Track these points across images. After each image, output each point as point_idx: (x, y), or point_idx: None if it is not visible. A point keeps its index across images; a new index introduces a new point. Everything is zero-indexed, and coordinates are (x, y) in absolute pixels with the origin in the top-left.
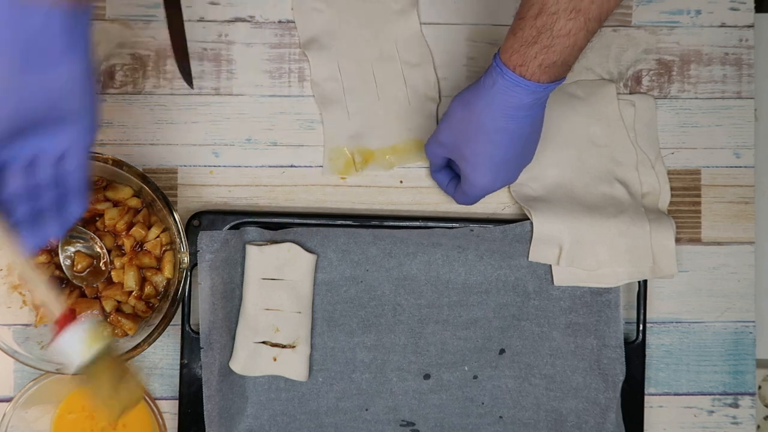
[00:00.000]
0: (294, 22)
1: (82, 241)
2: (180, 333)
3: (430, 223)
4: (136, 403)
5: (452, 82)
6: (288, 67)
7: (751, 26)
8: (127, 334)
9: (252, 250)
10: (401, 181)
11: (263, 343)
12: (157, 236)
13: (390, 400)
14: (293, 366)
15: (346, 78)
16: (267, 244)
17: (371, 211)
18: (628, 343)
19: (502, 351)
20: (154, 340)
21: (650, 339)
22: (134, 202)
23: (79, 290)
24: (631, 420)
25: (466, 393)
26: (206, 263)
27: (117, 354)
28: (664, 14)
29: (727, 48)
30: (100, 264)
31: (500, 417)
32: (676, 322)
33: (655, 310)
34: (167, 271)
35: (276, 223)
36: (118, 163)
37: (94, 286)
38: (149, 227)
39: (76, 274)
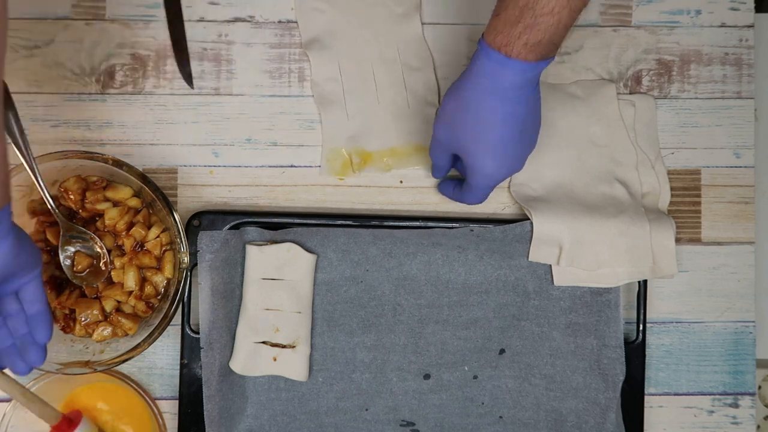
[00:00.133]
0: (294, 22)
1: (82, 241)
2: (180, 333)
3: (430, 223)
4: None
5: (452, 82)
6: (288, 67)
7: (751, 26)
8: (127, 334)
9: (252, 250)
10: (401, 181)
11: (263, 343)
12: (157, 236)
13: (390, 400)
14: (293, 366)
15: (346, 79)
16: (267, 244)
17: (371, 211)
18: (628, 343)
19: (502, 351)
20: (154, 340)
21: (650, 339)
22: (134, 202)
23: (79, 290)
24: (631, 420)
25: (466, 393)
26: (206, 263)
27: None
28: (664, 14)
29: (727, 48)
30: (100, 264)
31: (500, 417)
32: (676, 322)
33: (655, 310)
34: (167, 271)
35: (276, 223)
36: (118, 163)
37: (94, 286)
38: (149, 227)
39: (76, 274)
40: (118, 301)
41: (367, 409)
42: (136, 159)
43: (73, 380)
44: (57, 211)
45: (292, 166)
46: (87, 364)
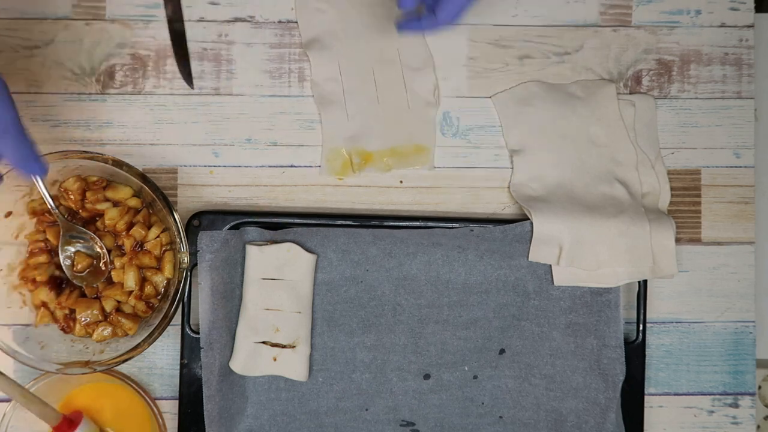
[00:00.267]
0: (294, 22)
1: (82, 241)
2: (180, 333)
3: (430, 223)
4: None
5: (452, 82)
6: (288, 67)
7: (751, 26)
8: (127, 334)
9: (252, 250)
10: (401, 181)
11: (263, 343)
12: (157, 236)
13: (390, 400)
14: (293, 366)
15: (346, 79)
16: (267, 244)
17: (371, 211)
18: (628, 343)
19: (502, 351)
20: (154, 340)
21: (650, 339)
22: (134, 202)
23: (79, 290)
24: (631, 420)
25: (466, 393)
26: (206, 263)
27: None
28: (664, 14)
29: (727, 48)
30: (100, 264)
31: (500, 417)
32: (676, 322)
33: (655, 310)
34: (167, 271)
35: (276, 223)
36: (118, 163)
37: (94, 286)
38: (149, 227)
39: (76, 274)
40: (118, 301)
41: (367, 409)
42: (136, 159)
43: (73, 380)
44: (57, 210)
45: (292, 166)
46: (87, 364)
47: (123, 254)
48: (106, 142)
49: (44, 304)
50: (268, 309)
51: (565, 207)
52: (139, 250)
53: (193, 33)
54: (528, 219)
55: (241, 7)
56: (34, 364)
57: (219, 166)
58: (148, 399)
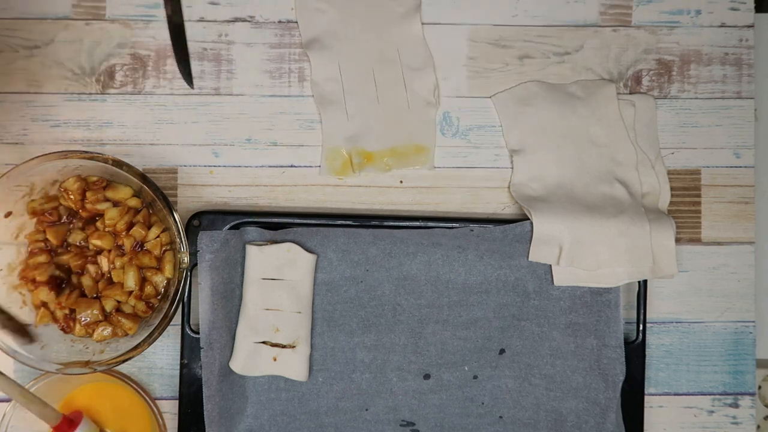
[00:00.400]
0: (294, 22)
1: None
2: (180, 333)
3: (430, 223)
4: None
5: (452, 82)
6: (288, 67)
7: (751, 26)
8: (127, 334)
9: (252, 250)
10: (401, 181)
11: (263, 343)
12: (157, 236)
13: (390, 400)
14: (293, 366)
15: (346, 79)
16: (267, 244)
17: (371, 211)
18: (628, 343)
19: (502, 351)
20: (154, 340)
21: (650, 339)
22: (134, 202)
23: (79, 290)
24: (631, 420)
25: (466, 393)
26: (206, 263)
27: None
28: (664, 14)
29: (727, 48)
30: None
31: (500, 417)
32: (676, 322)
33: (655, 310)
34: (167, 271)
35: (276, 223)
36: (118, 163)
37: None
38: (149, 227)
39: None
40: (118, 301)
41: (367, 409)
42: (136, 159)
43: (73, 380)
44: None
45: (292, 166)
46: (87, 364)
47: (123, 254)
48: (106, 142)
49: (44, 304)
50: (268, 309)
51: (565, 207)
52: (139, 250)
53: (193, 33)
54: (528, 219)
55: (241, 7)
56: (34, 364)
57: (219, 166)
58: (148, 399)
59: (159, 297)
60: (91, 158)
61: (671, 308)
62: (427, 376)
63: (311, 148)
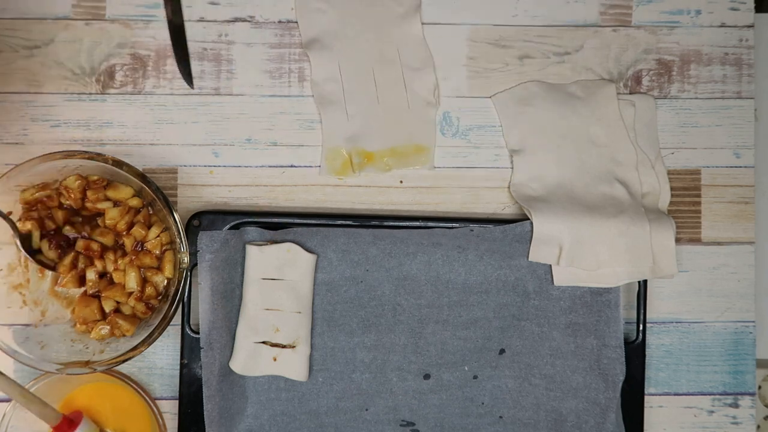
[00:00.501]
0: (294, 22)
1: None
2: (180, 333)
3: (430, 223)
4: None
5: (452, 82)
6: (288, 67)
7: (751, 26)
8: (124, 335)
9: (252, 250)
10: (401, 181)
11: (263, 343)
12: (157, 236)
13: (390, 400)
14: (293, 366)
15: (346, 79)
16: (267, 244)
17: (371, 211)
18: (628, 343)
19: (502, 351)
20: (154, 341)
21: (650, 339)
22: (135, 202)
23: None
24: (631, 420)
25: (466, 393)
26: (206, 263)
27: None
28: (664, 14)
29: (727, 48)
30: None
31: (500, 417)
32: (676, 322)
33: (655, 310)
34: (167, 271)
35: (276, 223)
36: (118, 163)
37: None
38: (149, 227)
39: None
40: (117, 302)
41: (367, 409)
42: (136, 159)
43: (73, 380)
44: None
45: (292, 166)
46: (87, 364)
47: (124, 255)
48: (106, 142)
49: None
50: (268, 309)
51: (565, 207)
52: (140, 250)
53: (193, 33)
54: (528, 219)
55: (241, 7)
56: (34, 364)
57: (219, 166)
58: (148, 399)
59: (159, 298)
60: (91, 158)
61: (671, 308)
62: (427, 376)
63: (311, 148)
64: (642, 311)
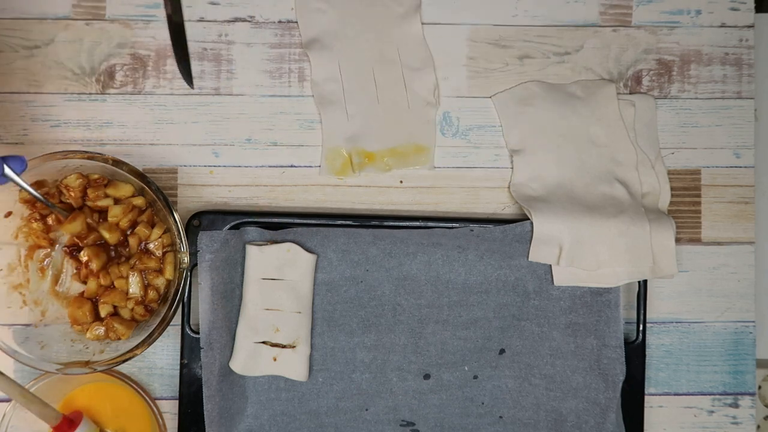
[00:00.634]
0: (294, 22)
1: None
2: (180, 333)
3: (430, 223)
4: None
5: (452, 82)
6: (288, 67)
7: (751, 26)
8: (119, 339)
9: (252, 250)
10: (401, 181)
11: (263, 343)
12: (160, 236)
13: (390, 400)
14: (293, 366)
15: (346, 79)
16: (267, 244)
17: (371, 211)
18: (628, 343)
19: (502, 351)
20: (154, 341)
21: (650, 339)
22: (139, 201)
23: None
24: (631, 420)
25: (466, 393)
26: (206, 263)
27: None
28: (664, 14)
29: (727, 48)
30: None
31: (500, 417)
32: (676, 322)
33: (655, 310)
34: (168, 272)
35: (276, 223)
36: (118, 163)
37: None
38: (152, 227)
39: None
40: (115, 306)
41: (367, 409)
42: (136, 159)
43: (73, 380)
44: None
45: (292, 166)
46: (87, 364)
47: (129, 257)
48: (106, 142)
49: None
50: (268, 309)
51: (565, 207)
52: (144, 252)
53: (193, 33)
54: (528, 219)
55: (241, 7)
56: (34, 364)
57: (219, 166)
58: (148, 399)
59: (159, 300)
60: (91, 158)
61: (671, 308)
62: (427, 376)
63: (311, 148)
64: (642, 311)
